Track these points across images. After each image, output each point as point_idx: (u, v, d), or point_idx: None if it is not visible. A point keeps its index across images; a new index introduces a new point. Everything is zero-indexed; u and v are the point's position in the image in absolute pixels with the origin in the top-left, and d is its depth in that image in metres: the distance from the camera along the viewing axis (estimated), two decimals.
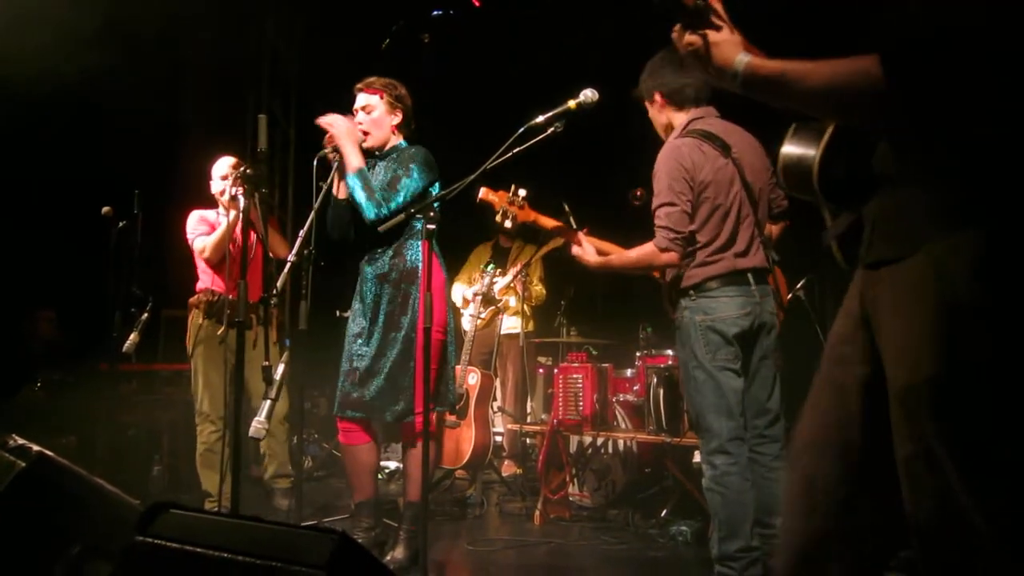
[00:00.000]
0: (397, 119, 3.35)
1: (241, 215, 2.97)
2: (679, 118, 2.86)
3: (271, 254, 3.91)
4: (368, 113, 3.31)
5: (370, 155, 3.34)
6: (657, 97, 2.90)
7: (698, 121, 2.81)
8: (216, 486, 4.01)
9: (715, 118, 2.84)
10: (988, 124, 1.31)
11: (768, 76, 1.44)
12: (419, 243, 3.23)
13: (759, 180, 2.82)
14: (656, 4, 1.49)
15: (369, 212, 3.13)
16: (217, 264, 4.10)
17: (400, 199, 3.15)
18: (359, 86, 3.35)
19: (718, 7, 1.53)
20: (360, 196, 3.12)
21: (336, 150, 3.19)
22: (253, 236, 4.17)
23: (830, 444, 1.51)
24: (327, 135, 3.22)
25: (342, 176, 3.21)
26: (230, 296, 3.93)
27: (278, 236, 4.28)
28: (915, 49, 1.29)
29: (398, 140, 3.37)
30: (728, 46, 1.48)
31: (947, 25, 1.27)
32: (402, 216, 2.89)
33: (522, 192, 2.94)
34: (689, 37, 1.51)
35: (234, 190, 3.79)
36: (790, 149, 1.59)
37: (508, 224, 2.90)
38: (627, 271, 2.87)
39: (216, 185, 4.11)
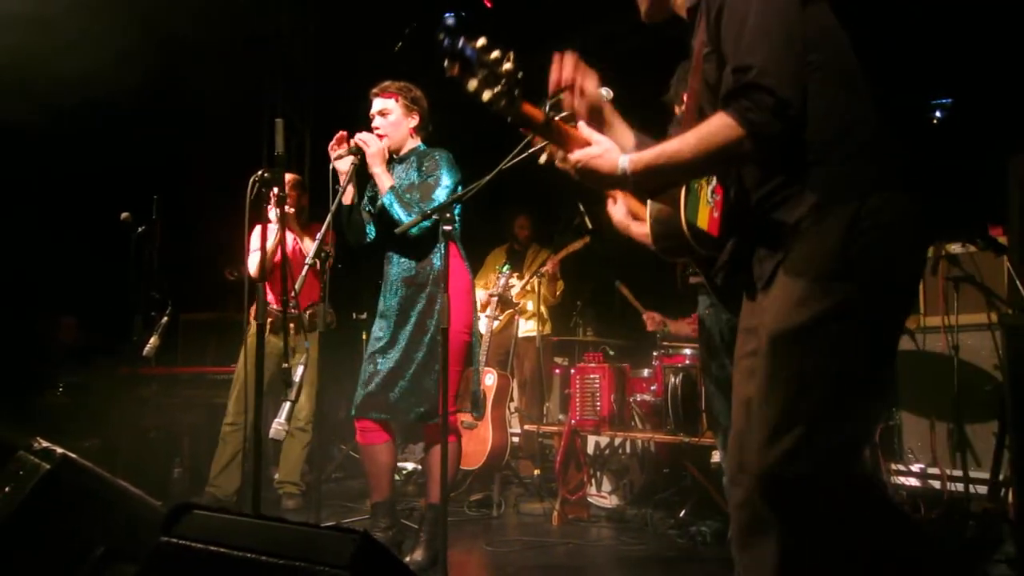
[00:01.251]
0: (414, 121, 3.36)
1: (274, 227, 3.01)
2: None
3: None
4: (385, 117, 3.31)
5: (388, 159, 3.35)
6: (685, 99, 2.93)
7: None
8: (214, 475, 4.22)
9: None
10: (819, 130, 1.50)
11: (648, 166, 1.54)
12: (446, 245, 3.23)
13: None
14: (510, 123, 1.58)
15: (413, 229, 3.12)
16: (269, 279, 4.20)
17: (436, 198, 3.15)
18: (375, 91, 3.35)
19: (579, 109, 1.67)
20: (399, 213, 3.11)
21: (353, 152, 3.20)
22: (294, 246, 4.22)
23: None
24: (334, 140, 3.21)
25: (350, 181, 3.22)
26: (274, 306, 4.08)
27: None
28: (745, 89, 1.45)
29: (416, 142, 3.38)
30: (606, 156, 1.59)
31: (754, 62, 1.45)
32: (420, 219, 2.90)
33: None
34: (569, 160, 1.62)
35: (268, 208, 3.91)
36: (654, 223, 1.70)
37: (542, 160, 2.88)
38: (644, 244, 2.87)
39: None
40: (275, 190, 4.01)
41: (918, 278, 1.65)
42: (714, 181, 1.65)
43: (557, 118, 1.61)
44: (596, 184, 1.62)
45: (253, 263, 4.13)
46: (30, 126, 5.05)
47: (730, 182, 1.65)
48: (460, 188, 3.26)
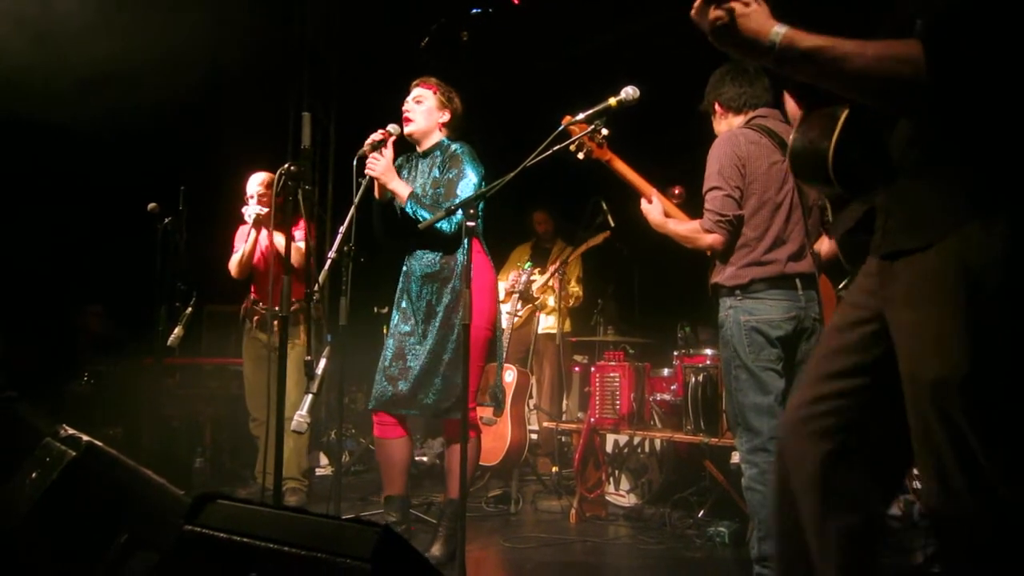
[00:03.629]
0: (445, 118, 3.36)
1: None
2: (738, 121, 2.88)
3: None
4: (418, 103, 3.33)
5: (412, 150, 3.37)
6: (717, 107, 2.94)
7: (761, 119, 2.81)
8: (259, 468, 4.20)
9: (778, 120, 2.83)
10: (1009, 104, 1.28)
11: (807, 51, 1.37)
12: (469, 241, 3.24)
13: (813, 191, 2.79)
14: None
15: (443, 225, 3.14)
16: (247, 276, 4.31)
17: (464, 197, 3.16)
18: (416, 81, 3.38)
19: None
20: (424, 214, 3.11)
21: (375, 147, 3.21)
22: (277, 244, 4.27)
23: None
24: (370, 138, 3.23)
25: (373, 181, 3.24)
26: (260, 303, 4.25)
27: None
28: (957, 36, 1.25)
29: (441, 137, 3.38)
30: (759, 16, 1.40)
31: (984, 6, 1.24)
32: (444, 215, 2.90)
33: (605, 131, 2.87)
34: (714, 11, 1.42)
35: (250, 209, 3.97)
36: (800, 135, 1.55)
37: (580, 156, 2.86)
38: (678, 240, 2.84)
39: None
40: (250, 191, 4.11)
41: None
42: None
43: None
44: (732, 44, 1.42)
45: (232, 264, 4.24)
46: (58, 119, 5.11)
47: (892, 124, 1.45)
48: (483, 183, 3.27)
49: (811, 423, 1.53)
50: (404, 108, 3.33)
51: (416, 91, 3.36)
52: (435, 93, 3.34)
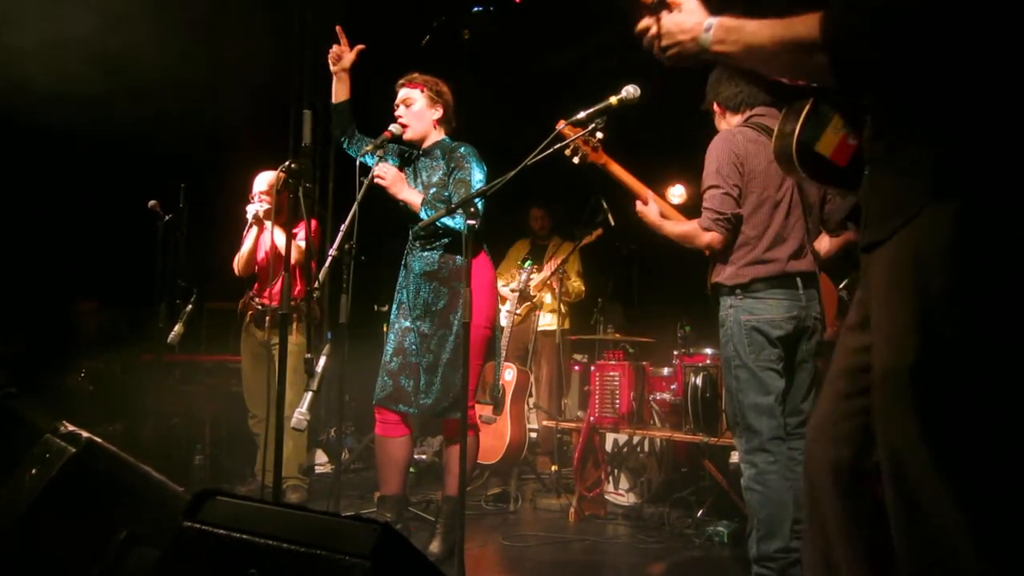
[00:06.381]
0: (438, 114, 3.35)
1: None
2: (736, 119, 2.89)
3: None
4: (408, 106, 3.32)
5: (411, 146, 3.36)
6: (716, 107, 2.95)
7: (759, 117, 2.81)
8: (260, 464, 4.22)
9: (777, 119, 2.82)
10: (954, 94, 1.26)
11: (731, 27, 1.42)
12: (467, 240, 3.24)
13: (812, 189, 2.79)
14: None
15: (452, 224, 3.16)
16: (251, 274, 4.33)
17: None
18: (401, 81, 3.36)
19: None
20: (443, 218, 3.12)
21: (379, 145, 3.22)
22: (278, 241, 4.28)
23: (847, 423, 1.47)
24: (383, 134, 3.23)
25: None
26: (261, 300, 4.25)
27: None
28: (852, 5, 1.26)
29: (440, 135, 3.38)
30: (690, 14, 1.46)
31: None
32: (443, 213, 2.90)
33: (599, 135, 2.88)
34: (643, 23, 1.49)
35: (252, 208, 3.98)
36: (779, 128, 1.59)
37: (576, 160, 2.86)
38: (675, 240, 2.85)
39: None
40: (255, 192, 4.11)
41: None
42: (847, 115, 1.55)
43: None
44: (666, 46, 1.49)
45: (236, 262, 4.27)
46: (59, 114, 5.11)
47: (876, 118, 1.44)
48: (486, 182, 3.27)
49: (837, 429, 1.50)
50: (396, 113, 3.32)
51: (403, 93, 3.34)
52: (423, 91, 3.32)
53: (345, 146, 3.47)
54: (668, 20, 1.46)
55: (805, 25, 1.31)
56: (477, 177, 3.21)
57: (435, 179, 3.26)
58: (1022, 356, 1.20)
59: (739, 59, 1.48)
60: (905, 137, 1.31)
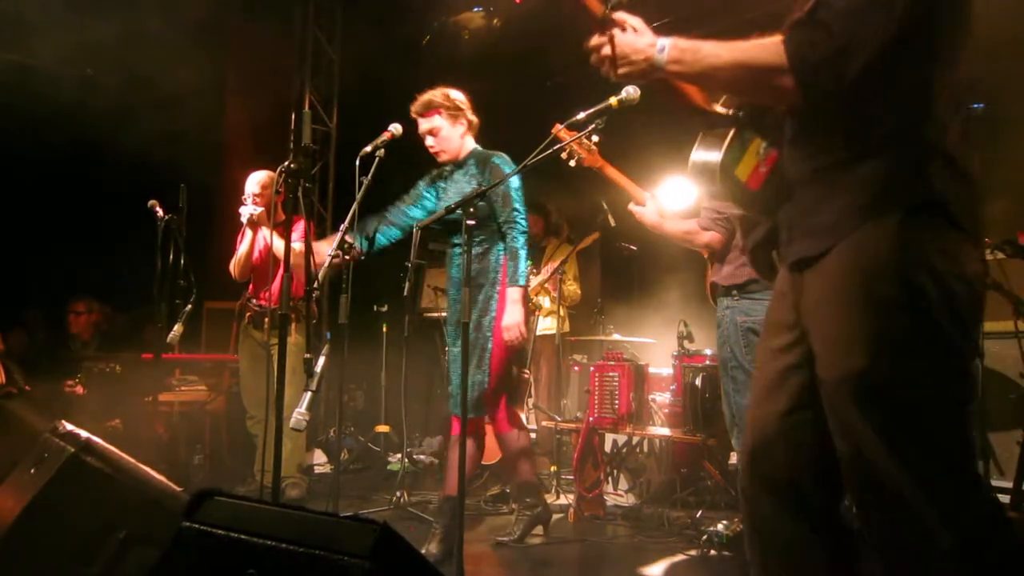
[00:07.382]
0: (462, 127, 3.41)
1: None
2: None
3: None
4: (435, 136, 3.37)
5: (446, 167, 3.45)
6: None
7: None
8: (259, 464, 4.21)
9: None
10: (892, 113, 1.36)
11: (687, 48, 1.43)
12: (502, 247, 3.33)
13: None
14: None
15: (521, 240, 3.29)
16: (248, 277, 4.34)
17: (520, 206, 3.32)
18: (415, 111, 3.38)
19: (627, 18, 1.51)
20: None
21: (379, 147, 3.21)
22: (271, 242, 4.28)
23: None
24: (383, 135, 3.23)
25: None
26: (258, 301, 4.30)
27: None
28: (815, 27, 1.32)
29: (471, 144, 3.45)
30: (642, 34, 1.48)
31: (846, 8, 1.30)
32: (443, 213, 2.90)
33: (595, 138, 2.88)
34: (594, 41, 1.51)
35: (245, 209, 3.98)
36: (697, 154, 1.62)
37: (572, 163, 2.88)
38: (675, 240, 2.85)
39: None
40: (247, 193, 4.11)
41: (978, 320, 1.43)
42: (766, 142, 1.60)
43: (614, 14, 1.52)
44: (620, 66, 1.49)
45: (233, 265, 4.28)
46: (58, 114, 5.11)
47: (788, 143, 1.53)
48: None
49: (762, 469, 1.53)
50: (427, 145, 3.37)
51: (423, 124, 3.37)
52: (440, 114, 3.36)
53: (380, 239, 3.43)
54: (621, 40, 1.47)
55: (767, 50, 1.36)
56: (515, 184, 3.30)
57: (468, 189, 3.27)
58: (962, 349, 1.33)
59: (693, 79, 1.52)
60: (840, 159, 1.40)
